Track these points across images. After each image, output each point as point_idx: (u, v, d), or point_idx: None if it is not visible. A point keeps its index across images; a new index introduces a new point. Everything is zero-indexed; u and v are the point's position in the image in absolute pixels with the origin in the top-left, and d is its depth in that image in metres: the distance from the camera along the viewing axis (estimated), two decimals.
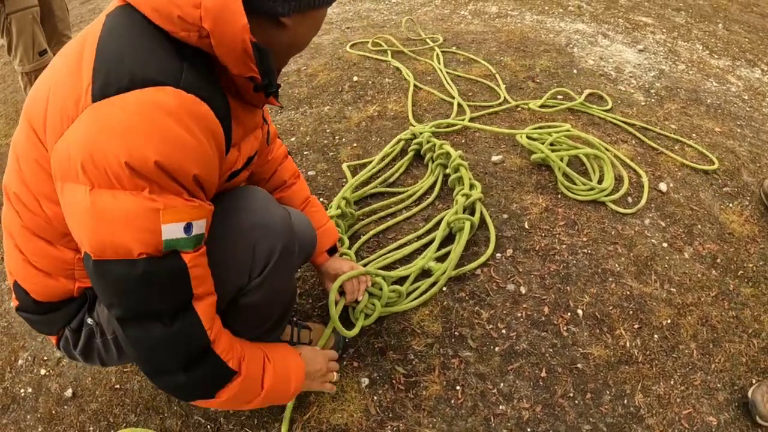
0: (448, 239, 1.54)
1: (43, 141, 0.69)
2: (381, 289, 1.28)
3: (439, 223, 1.57)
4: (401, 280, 1.42)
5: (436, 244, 1.47)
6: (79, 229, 0.66)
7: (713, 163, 2.11)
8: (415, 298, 1.38)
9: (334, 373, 1.12)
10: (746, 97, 2.98)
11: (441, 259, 1.47)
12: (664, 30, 3.79)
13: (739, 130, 2.51)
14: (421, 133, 1.91)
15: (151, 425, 1.24)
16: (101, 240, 0.63)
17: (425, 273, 1.44)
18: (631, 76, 2.84)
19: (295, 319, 1.24)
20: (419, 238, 1.58)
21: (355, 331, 1.23)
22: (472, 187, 1.62)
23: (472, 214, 1.58)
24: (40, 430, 1.32)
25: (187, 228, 0.67)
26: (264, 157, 1.13)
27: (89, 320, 0.89)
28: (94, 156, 0.60)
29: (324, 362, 1.09)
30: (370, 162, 1.93)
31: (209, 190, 0.72)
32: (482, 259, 1.49)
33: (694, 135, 2.35)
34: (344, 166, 1.91)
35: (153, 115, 0.61)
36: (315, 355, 1.08)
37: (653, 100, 2.58)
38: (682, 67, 3.19)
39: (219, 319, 0.78)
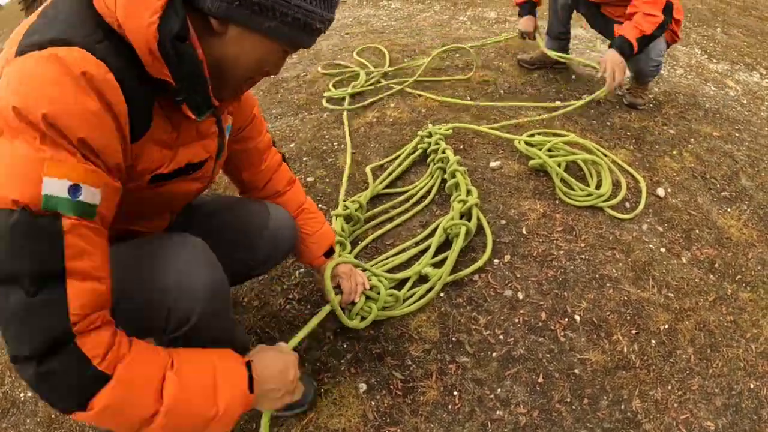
0: (447, 245, 1.57)
1: None
2: (378, 293, 1.31)
3: (436, 229, 1.60)
4: (399, 285, 1.45)
5: (432, 251, 1.50)
6: None
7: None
8: (412, 303, 1.40)
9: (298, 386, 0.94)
10: (745, 101, 3.02)
11: (438, 264, 1.50)
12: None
13: (737, 134, 2.54)
14: (431, 134, 1.95)
15: None
16: None
17: (422, 279, 1.47)
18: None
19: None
20: (417, 244, 1.61)
21: (355, 323, 1.26)
22: (468, 193, 1.65)
23: (469, 220, 1.61)
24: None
25: (74, 190, 0.61)
26: (256, 167, 1.15)
27: None
28: (3, 107, 0.60)
29: (290, 367, 0.90)
30: (392, 162, 1.98)
31: (108, 164, 0.66)
32: (478, 264, 1.52)
33: (692, 140, 2.38)
34: (367, 169, 1.95)
35: (52, 68, 0.60)
36: (275, 357, 0.89)
37: (652, 105, 2.62)
38: (681, 72, 3.23)
39: (107, 313, 0.67)
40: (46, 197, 0.59)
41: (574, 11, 2.60)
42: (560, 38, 2.69)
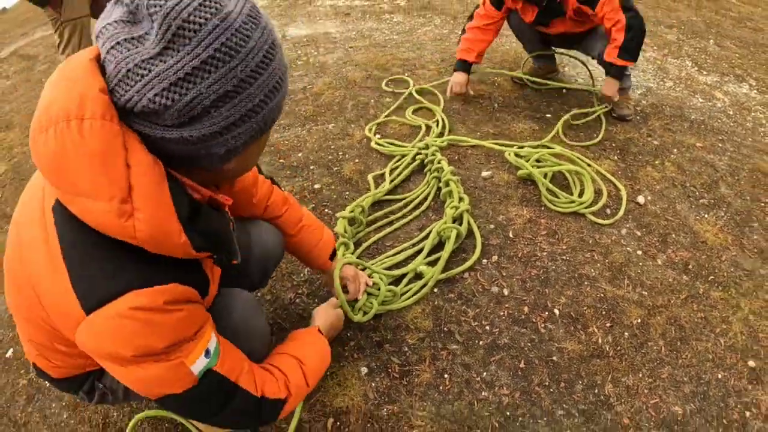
0: (440, 246, 1.75)
1: (48, 320, 0.81)
2: (379, 289, 1.49)
3: (431, 232, 1.78)
4: (397, 282, 1.63)
5: (426, 251, 1.68)
6: (129, 384, 0.79)
7: None
8: (408, 298, 1.59)
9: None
10: (731, 113, 3.17)
11: (432, 263, 1.68)
12: (655, 47, 4.01)
13: (720, 145, 2.69)
14: (428, 146, 2.15)
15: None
16: (148, 392, 0.79)
17: (418, 276, 1.65)
18: None
19: None
20: (413, 245, 1.79)
21: (359, 317, 1.47)
22: (460, 200, 1.83)
23: (461, 224, 1.79)
24: (65, 416, 1.50)
25: (207, 353, 0.80)
26: (249, 202, 1.24)
27: (100, 385, 1.08)
28: (115, 356, 0.73)
29: (337, 318, 1.37)
30: (392, 172, 2.18)
31: (206, 317, 0.86)
32: (468, 263, 1.70)
33: (675, 150, 2.55)
34: (369, 177, 2.14)
35: (139, 316, 0.70)
36: (328, 317, 1.34)
37: (639, 117, 2.79)
38: (670, 84, 3.39)
39: (257, 370, 0.95)
40: (200, 372, 0.80)
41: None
42: (541, 55, 2.89)
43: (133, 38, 0.61)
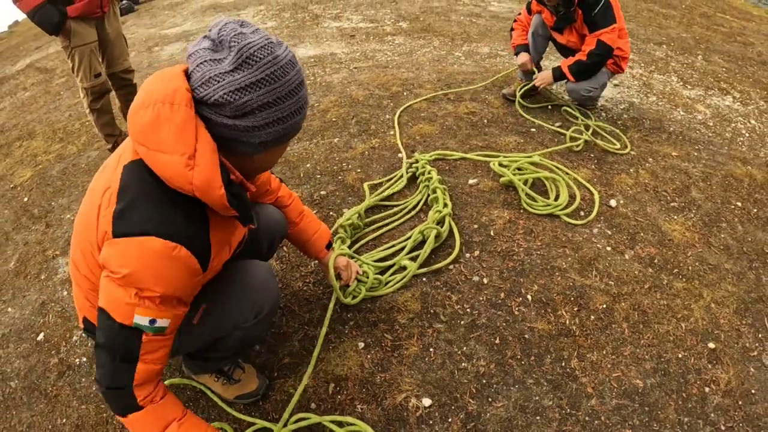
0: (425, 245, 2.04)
1: (91, 240, 1.10)
2: (367, 277, 1.80)
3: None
4: (383, 273, 1.96)
5: (408, 247, 2.01)
6: (101, 292, 1.07)
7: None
8: (392, 286, 1.90)
9: None
10: (711, 124, 3.42)
11: (415, 259, 1.97)
12: (642, 64, 4.31)
13: (695, 154, 2.95)
14: (417, 161, 2.47)
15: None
16: (106, 303, 1.05)
17: (403, 268, 1.95)
18: (602, 109, 3.36)
19: (239, 360, 1.65)
20: (401, 243, 2.09)
21: (348, 300, 1.78)
22: (445, 205, 2.14)
23: (443, 226, 2.09)
24: (94, 388, 1.75)
25: (152, 321, 1.04)
26: (265, 191, 1.59)
27: None
28: (114, 270, 1.01)
29: None
30: (385, 181, 2.50)
31: (186, 297, 1.11)
32: (448, 260, 2.01)
33: (650, 159, 2.82)
34: (365, 185, 2.46)
35: (148, 256, 0.99)
36: None
37: (618, 131, 3.07)
38: (653, 99, 3.68)
39: (155, 381, 1.14)
40: (135, 323, 1.05)
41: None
42: (532, 72, 3.24)
43: (214, 59, 0.95)
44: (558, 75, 3.00)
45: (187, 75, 1.00)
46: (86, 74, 2.92)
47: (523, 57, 3.21)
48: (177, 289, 1.06)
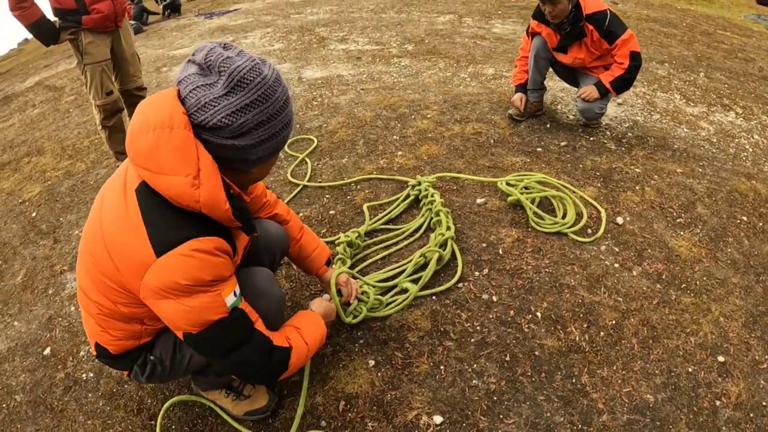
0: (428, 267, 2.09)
1: (115, 274, 1.15)
2: (368, 297, 1.85)
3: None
4: (385, 294, 2.00)
5: (409, 270, 2.05)
6: (177, 321, 1.13)
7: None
8: (393, 308, 1.93)
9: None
10: (714, 140, 3.48)
11: (418, 281, 2.02)
12: (645, 83, 4.40)
13: (700, 170, 3.01)
14: (420, 183, 2.53)
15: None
16: (198, 317, 1.12)
17: (404, 290, 2.00)
18: (606, 128, 3.42)
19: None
20: (403, 265, 2.13)
21: (349, 320, 1.82)
22: (448, 228, 2.19)
23: (445, 249, 2.13)
24: (101, 404, 1.79)
25: (234, 293, 1.17)
26: (261, 203, 1.69)
27: (151, 357, 1.41)
28: (179, 285, 1.08)
29: (330, 308, 1.69)
30: (386, 203, 2.56)
31: (233, 271, 1.24)
32: (449, 284, 2.05)
33: (656, 176, 2.87)
34: (365, 206, 2.53)
35: (200, 255, 1.08)
36: (321, 305, 1.66)
37: (623, 148, 3.13)
38: (657, 117, 3.75)
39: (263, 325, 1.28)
40: (230, 306, 1.16)
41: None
42: (538, 89, 3.33)
43: (206, 84, 1.03)
44: (603, 91, 3.01)
45: (181, 99, 1.07)
46: (98, 92, 3.03)
47: (516, 98, 3.35)
48: (230, 268, 1.19)
